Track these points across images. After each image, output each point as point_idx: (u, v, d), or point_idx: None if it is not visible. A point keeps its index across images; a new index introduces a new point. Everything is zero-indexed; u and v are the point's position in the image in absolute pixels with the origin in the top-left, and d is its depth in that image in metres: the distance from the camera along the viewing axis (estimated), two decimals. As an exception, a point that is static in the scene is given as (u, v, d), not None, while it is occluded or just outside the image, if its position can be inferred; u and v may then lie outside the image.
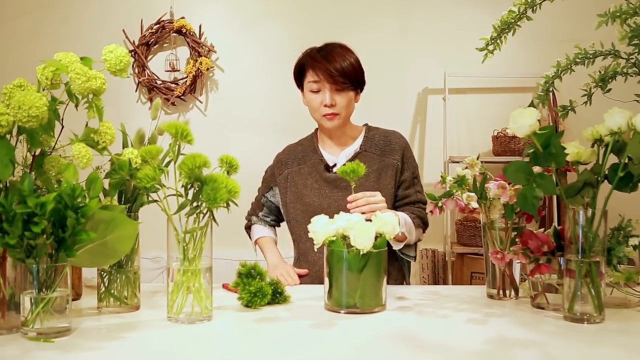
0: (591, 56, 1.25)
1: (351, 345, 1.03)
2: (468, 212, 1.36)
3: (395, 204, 1.74)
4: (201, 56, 3.49)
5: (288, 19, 3.56)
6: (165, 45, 3.60)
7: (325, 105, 1.69)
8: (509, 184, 1.28)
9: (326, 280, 1.25)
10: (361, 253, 1.19)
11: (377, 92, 3.20)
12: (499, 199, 1.29)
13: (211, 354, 1.01)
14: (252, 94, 3.58)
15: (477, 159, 1.37)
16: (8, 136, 1.07)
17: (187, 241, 1.13)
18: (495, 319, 1.20)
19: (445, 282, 3.41)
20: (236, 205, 1.15)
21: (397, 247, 1.62)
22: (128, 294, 1.24)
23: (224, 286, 1.47)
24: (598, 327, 1.12)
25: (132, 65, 3.54)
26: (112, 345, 1.01)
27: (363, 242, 1.19)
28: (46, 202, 0.98)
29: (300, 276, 1.70)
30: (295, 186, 1.78)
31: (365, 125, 1.84)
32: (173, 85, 3.54)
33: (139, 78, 3.55)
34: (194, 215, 1.13)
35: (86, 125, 1.19)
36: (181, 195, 1.14)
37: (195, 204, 1.13)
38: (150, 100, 3.59)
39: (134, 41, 3.54)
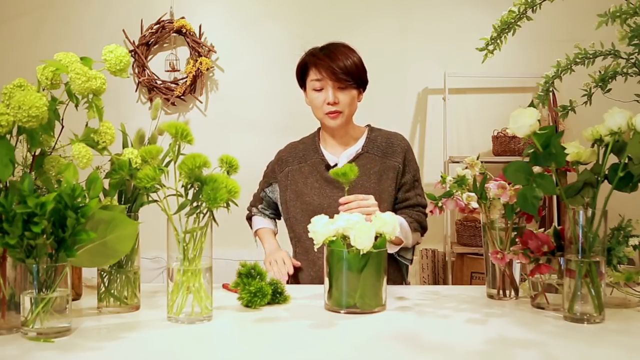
0: (591, 56, 1.25)
1: (351, 345, 1.03)
2: (468, 212, 1.36)
3: (395, 207, 1.74)
4: (201, 56, 3.49)
5: (288, 19, 3.56)
6: (165, 45, 3.60)
7: (328, 103, 1.68)
8: (509, 184, 1.27)
9: (326, 280, 1.25)
10: (361, 253, 1.19)
11: (377, 92, 3.17)
12: (499, 199, 1.29)
13: (211, 354, 1.01)
14: (252, 94, 3.58)
15: (477, 159, 1.37)
16: (8, 136, 1.07)
17: (187, 241, 1.13)
18: (495, 319, 1.20)
19: (445, 282, 3.41)
20: (236, 205, 1.15)
21: (392, 250, 1.61)
22: (128, 294, 1.24)
23: (224, 286, 1.47)
24: (598, 327, 1.12)
25: (132, 65, 3.55)
26: (112, 345, 1.01)
27: (363, 242, 1.19)
28: (46, 202, 0.98)
29: (294, 268, 1.69)
30: (296, 184, 1.78)
31: (368, 126, 1.83)
32: (173, 85, 3.54)
33: (139, 78, 3.55)
34: (194, 215, 1.13)
35: (86, 125, 1.19)
36: (181, 195, 1.14)
37: (195, 204, 1.13)
38: (150, 100, 3.59)
39: (134, 41, 3.54)
